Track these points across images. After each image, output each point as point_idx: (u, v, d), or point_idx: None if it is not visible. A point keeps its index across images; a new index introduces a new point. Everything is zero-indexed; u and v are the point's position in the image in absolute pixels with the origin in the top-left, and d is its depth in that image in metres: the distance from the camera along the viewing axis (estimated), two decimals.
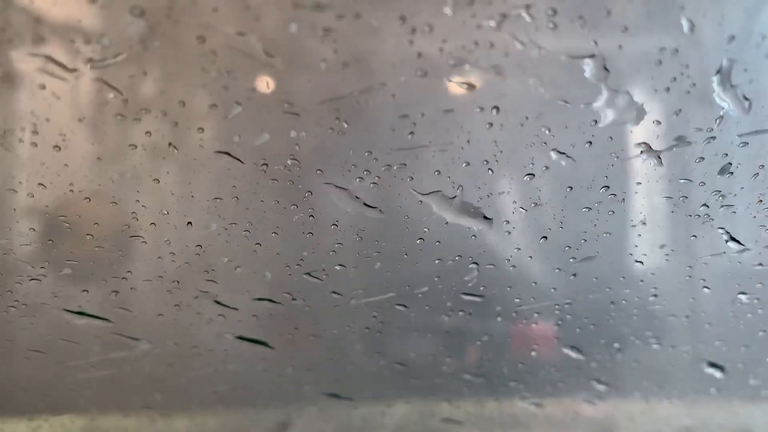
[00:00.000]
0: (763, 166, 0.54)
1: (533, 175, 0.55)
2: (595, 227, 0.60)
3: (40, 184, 0.52)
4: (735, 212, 0.58)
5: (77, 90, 0.47)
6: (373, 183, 0.55)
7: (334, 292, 0.65)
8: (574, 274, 0.65)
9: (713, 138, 0.52)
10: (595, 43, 0.46)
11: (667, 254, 0.63)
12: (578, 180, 0.55)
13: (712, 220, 0.59)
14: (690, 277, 0.66)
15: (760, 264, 0.64)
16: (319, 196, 0.55)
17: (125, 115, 0.48)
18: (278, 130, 0.50)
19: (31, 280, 0.60)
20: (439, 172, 0.54)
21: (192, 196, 0.55)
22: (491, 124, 0.51)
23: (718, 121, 0.51)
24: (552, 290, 0.67)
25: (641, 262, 0.64)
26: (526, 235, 0.61)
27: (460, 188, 0.56)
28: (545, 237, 0.61)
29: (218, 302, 0.65)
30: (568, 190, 0.56)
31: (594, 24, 0.45)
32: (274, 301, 0.66)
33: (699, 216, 0.59)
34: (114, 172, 0.52)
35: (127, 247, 0.58)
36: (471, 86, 0.48)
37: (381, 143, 0.52)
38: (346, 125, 0.50)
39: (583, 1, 0.45)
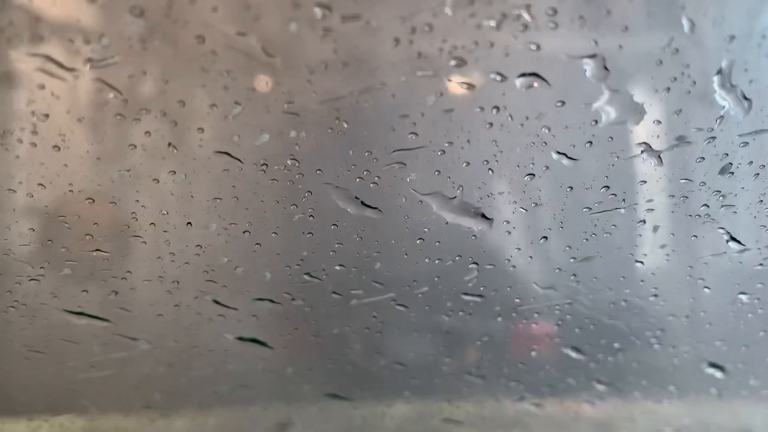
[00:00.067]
0: (763, 166, 0.54)
1: (533, 175, 0.55)
2: (595, 227, 0.60)
3: (40, 184, 0.52)
4: (736, 212, 0.58)
5: (77, 90, 0.46)
6: (373, 183, 0.55)
7: (334, 292, 0.65)
8: (574, 274, 0.65)
9: (714, 138, 0.52)
10: (596, 42, 0.46)
11: (667, 254, 0.63)
12: (578, 180, 0.55)
13: (713, 220, 0.59)
14: (690, 277, 0.65)
15: (761, 264, 0.63)
16: (319, 196, 0.55)
17: (125, 115, 0.48)
18: (278, 130, 0.50)
19: (30, 280, 0.59)
20: (439, 172, 0.54)
21: (192, 196, 0.55)
22: (491, 124, 0.51)
23: (718, 121, 0.51)
24: (552, 290, 0.67)
25: (641, 262, 0.64)
26: (526, 235, 0.60)
27: (460, 188, 0.56)
28: (545, 237, 0.61)
29: (218, 302, 0.65)
30: (569, 190, 0.56)
31: (594, 24, 0.45)
32: (274, 301, 0.65)
33: (699, 216, 0.59)
34: (113, 172, 0.52)
35: (126, 247, 0.58)
36: (471, 86, 0.48)
37: (381, 143, 0.52)
38: (346, 125, 0.50)
39: (584, 0, 0.45)
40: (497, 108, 0.49)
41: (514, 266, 0.64)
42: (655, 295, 0.68)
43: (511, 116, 0.50)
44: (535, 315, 0.70)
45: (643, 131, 0.52)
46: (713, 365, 0.75)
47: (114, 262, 0.59)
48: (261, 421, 0.78)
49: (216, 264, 0.61)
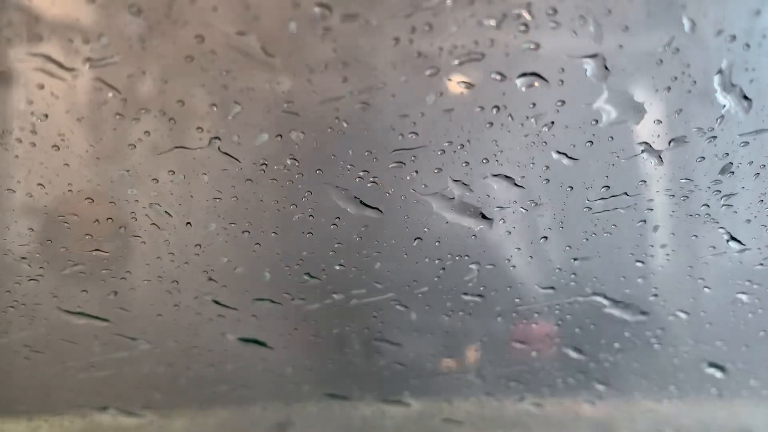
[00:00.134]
0: (764, 165, 0.54)
1: (534, 174, 0.55)
2: (595, 227, 0.60)
3: (39, 184, 0.52)
4: (736, 212, 0.58)
5: (76, 89, 0.46)
6: (373, 183, 0.55)
7: (334, 292, 0.65)
8: (574, 274, 0.65)
9: (714, 137, 0.52)
10: (596, 42, 0.46)
11: (667, 254, 0.63)
12: (579, 180, 0.55)
13: (713, 219, 0.59)
14: (690, 276, 0.65)
15: (761, 264, 0.63)
16: (319, 196, 0.55)
17: (124, 115, 0.48)
18: (278, 130, 0.50)
19: (30, 280, 0.59)
20: (439, 171, 0.54)
21: (191, 196, 0.54)
22: (491, 124, 0.51)
23: (719, 121, 0.51)
24: (552, 290, 0.67)
25: (642, 262, 0.64)
26: (526, 235, 0.60)
27: (461, 188, 0.56)
28: (545, 237, 0.61)
29: (218, 302, 0.65)
30: (569, 189, 0.56)
31: (594, 23, 0.45)
32: (274, 301, 0.65)
33: (700, 215, 0.59)
34: (113, 171, 0.52)
35: (126, 247, 0.58)
36: (471, 86, 0.48)
37: (381, 143, 0.52)
38: (346, 125, 0.50)
39: (584, 0, 0.45)
40: (497, 108, 0.49)
41: (514, 266, 0.64)
42: (655, 295, 0.68)
43: (511, 116, 0.50)
44: (535, 315, 0.70)
45: (643, 131, 0.52)
46: (713, 365, 0.75)
47: (113, 262, 0.59)
48: (261, 421, 0.78)
49: (216, 264, 0.61)
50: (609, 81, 0.48)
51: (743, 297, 0.67)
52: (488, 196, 0.56)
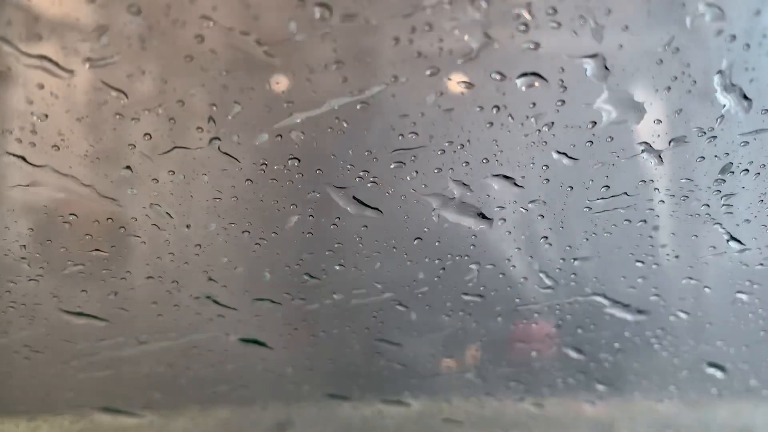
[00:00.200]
0: (764, 165, 0.54)
1: (534, 174, 0.55)
2: (595, 227, 0.60)
3: (38, 184, 0.52)
4: (736, 212, 0.58)
5: (75, 89, 0.46)
6: (373, 183, 0.55)
7: (334, 292, 0.65)
8: (574, 274, 0.65)
9: (714, 137, 0.52)
10: (596, 42, 0.46)
11: (667, 254, 0.63)
12: (579, 180, 0.55)
13: (713, 219, 0.59)
14: (691, 276, 0.65)
15: (761, 264, 0.63)
16: (319, 196, 0.55)
17: (124, 115, 0.48)
18: (278, 130, 0.50)
19: (29, 280, 0.59)
20: (439, 171, 0.54)
21: (191, 196, 0.54)
22: (491, 124, 0.50)
23: (719, 121, 0.51)
24: (552, 290, 0.67)
25: (642, 262, 0.64)
26: (526, 235, 0.60)
27: (461, 188, 0.56)
28: (545, 237, 0.61)
29: (218, 302, 0.65)
30: (569, 189, 0.56)
31: (595, 23, 0.45)
32: (274, 301, 0.65)
33: (700, 215, 0.59)
34: (113, 171, 0.52)
35: (126, 247, 0.58)
36: (471, 85, 0.48)
37: (381, 143, 0.52)
38: (346, 125, 0.50)
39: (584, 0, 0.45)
40: (497, 107, 0.49)
41: (514, 266, 0.64)
42: (656, 295, 0.68)
43: (511, 116, 0.50)
44: (535, 315, 0.70)
45: (643, 131, 0.52)
46: (713, 365, 0.75)
47: (113, 262, 0.59)
48: (261, 421, 0.78)
49: (216, 264, 0.61)
50: (609, 81, 0.48)
51: (743, 297, 0.67)
52: (488, 196, 0.56)
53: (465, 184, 0.55)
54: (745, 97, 0.49)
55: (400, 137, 0.51)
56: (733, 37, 0.46)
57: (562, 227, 0.60)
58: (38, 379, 0.69)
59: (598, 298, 0.68)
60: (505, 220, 0.59)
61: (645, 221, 0.59)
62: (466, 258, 0.62)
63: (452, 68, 0.47)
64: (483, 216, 0.58)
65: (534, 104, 0.49)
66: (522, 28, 0.45)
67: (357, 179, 0.54)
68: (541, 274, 0.65)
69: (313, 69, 0.46)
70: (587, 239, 0.61)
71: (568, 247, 0.62)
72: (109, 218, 0.55)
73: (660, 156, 0.53)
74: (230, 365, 0.73)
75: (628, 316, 0.70)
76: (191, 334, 0.68)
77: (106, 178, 0.52)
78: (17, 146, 0.49)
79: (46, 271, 0.59)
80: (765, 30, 0.46)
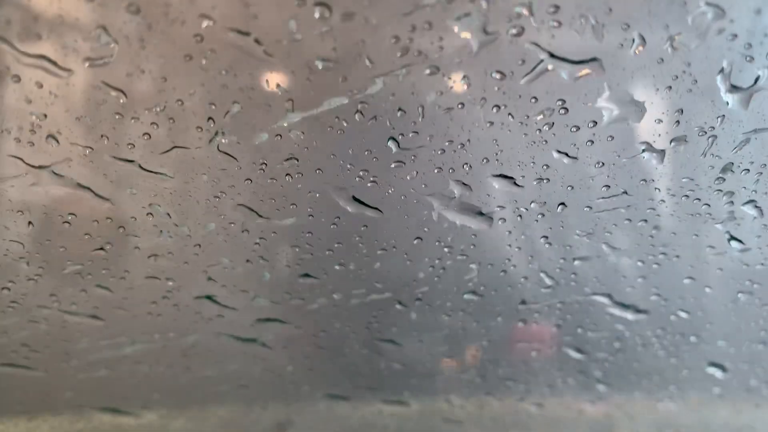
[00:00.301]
0: (765, 165, 0.54)
1: (534, 174, 0.54)
2: (595, 227, 0.60)
3: (37, 183, 0.51)
4: (736, 211, 0.58)
5: (75, 88, 0.46)
6: (373, 182, 0.54)
7: (334, 292, 0.65)
8: (575, 274, 0.65)
9: (715, 137, 0.52)
10: (597, 40, 0.46)
11: (668, 253, 0.63)
12: (579, 179, 0.55)
13: (714, 219, 0.59)
14: (691, 276, 0.65)
15: (762, 264, 0.63)
16: (319, 196, 0.55)
17: (123, 114, 0.48)
18: (278, 130, 0.50)
19: (29, 280, 0.59)
20: (439, 171, 0.54)
21: (191, 196, 0.54)
22: (491, 123, 0.50)
23: (719, 120, 0.50)
24: (552, 290, 0.67)
25: (642, 262, 0.64)
26: (527, 235, 0.60)
27: (461, 187, 0.55)
28: (545, 236, 0.61)
29: (218, 302, 0.65)
30: (569, 189, 0.56)
31: (595, 22, 0.45)
32: (274, 302, 0.65)
33: (700, 215, 0.58)
34: (112, 171, 0.52)
35: (125, 246, 0.58)
36: (471, 85, 0.48)
37: (381, 143, 0.52)
38: (346, 125, 0.50)
39: None
40: (497, 107, 0.49)
41: (515, 266, 0.64)
42: (656, 295, 0.67)
43: (511, 115, 0.50)
44: (536, 315, 0.70)
45: (644, 130, 0.52)
46: (714, 365, 0.75)
47: (113, 262, 0.59)
48: (261, 421, 0.78)
49: (216, 264, 0.61)
50: (610, 80, 0.48)
51: (744, 297, 0.67)
52: (488, 195, 0.56)
53: (465, 184, 0.55)
54: (746, 97, 0.49)
55: (400, 137, 0.51)
56: (735, 36, 0.46)
57: (563, 227, 0.59)
58: (38, 379, 0.69)
59: (599, 298, 0.68)
60: (505, 219, 0.58)
61: (645, 221, 0.59)
62: (466, 258, 0.62)
63: (452, 67, 0.47)
64: (483, 216, 0.58)
65: (534, 103, 0.49)
66: (522, 26, 0.45)
67: (357, 179, 0.54)
68: (542, 274, 0.65)
69: (312, 68, 0.46)
70: (587, 239, 0.61)
71: (568, 247, 0.62)
72: (108, 218, 0.55)
73: (660, 155, 0.53)
74: (230, 365, 0.73)
75: (629, 316, 0.70)
76: (191, 334, 0.68)
77: (105, 178, 0.52)
78: (16, 146, 0.49)
79: (46, 271, 0.59)
80: (766, 29, 0.46)
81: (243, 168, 0.52)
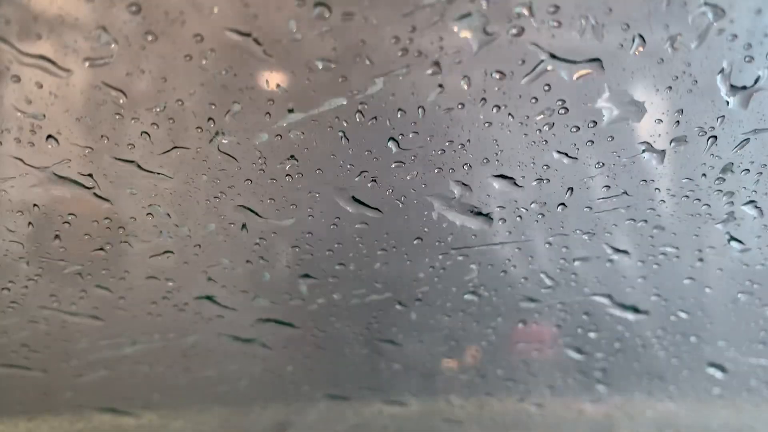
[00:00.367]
0: (765, 165, 0.54)
1: (534, 174, 0.54)
2: (595, 227, 0.60)
3: (37, 184, 0.51)
4: (736, 212, 0.58)
5: (74, 89, 0.46)
6: (373, 183, 0.54)
7: (334, 292, 0.65)
8: (575, 274, 0.65)
9: (715, 137, 0.52)
10: (597, 41, 0.46)
11: (668, 254, 0.63)
12: (579, 179, 0.55)
13: (714, 219, 0.59)
14: (691, 276, 0.65)
15: (762, 264, 0.63)
16: (318, 196, 0.55)
17: (123, 114, 0.48)
18: (278, 130, 0.50)
19: (28, 280, 0.59)
20: (439, 171, 0.54)
21: (190, 196, 0.54)
22: (491, 123, 0.50)
23: (719, 120, 0.50)
24: (553, 290, 0.67)
25: (642, 262, 0.64)
26: (527, 235, 0.60)
27: (461, 188, 0.55)
28: (545, 237, 0.61)
29: (217, 302, 0.65)
30: (569, 189, 0.56)
31: (595, 22, 0.45)
32: (274, 302, 0.65)
33: (700, 215, 0.58)
34: (112, 171, 0.52)
35: (125, 246, 0.58)
36: (471, 85, 0.48)
37: (381, 143, 0.52)
38: (346, 125, 0.50)
39: None
40: (498, 107, 0.49)
41: (515, 266, 0.64)
42: (657, 295, 0.67)
43: (511, 115, 0.50)
44: (536, 315, 0.70)
45: (643, 130, 0.52)
46: (714, 365, 0.75)
47: (113, 262, 0.59)
48: (261, 421, 0.78)
49: (215, 264, 0.61)
50: (609, 80, 0.48)
51: (744, 297, 0.67)
52: (488, 196, 0.56)
53: (465, 184, 0.55)
54: (747, 97, 0.49)
55: (400, 137, 0.51)
56: (735, 37, 0.46)
57: (563, 227, 0.59)
58: (38, 379, 0.69)
59: (599, 298, 0.68)
60: (505, 220, 0.58)
61: (646, 221, 0.59)
62: (466, 258, 0.62)
63: (452, 67, 0.47)
64: (483, 216, 0.58)
65: (534, 103, 0.49)
66: (522, 26, 0.45)
67: (357, 179, 0.54)
68: (542, 274, 0.65)
69: (312, 68, 0.46)
70: (587, 239, 0.61)
71: (568, 247, 0.62)
72: (108, 218, 0.55)
73: (661, 155, 0.53)
74: (230, 365, 0.73)
75: (629, 316, 0.70)
76: (191, 335, 0.68)
77: (105, 178, 0.52)
78: (16, 146, 0.49)
79: (46, 271, 0.59)
80: (766, 29, 0.46)
81: (243, 168, 0.52)
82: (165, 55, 0.45)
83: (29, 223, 0.54)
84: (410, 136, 0.51)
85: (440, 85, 0.48)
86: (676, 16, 0.45)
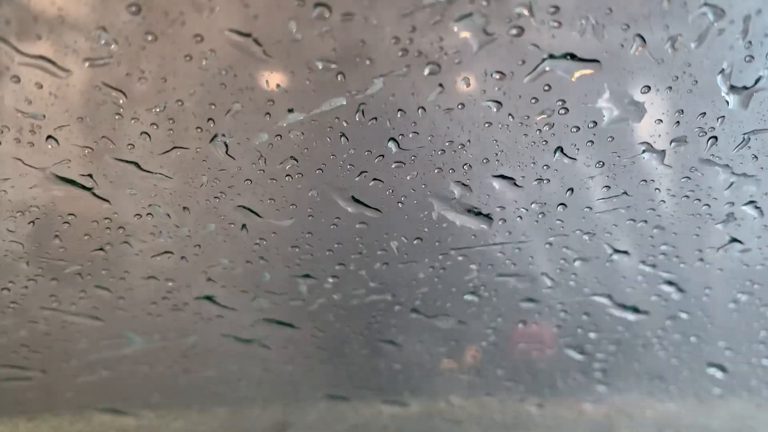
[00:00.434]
0: (764, 165, 0.54)
1: (534, 174, 0.54)
2: (595, 227, 0.60)
3: (37, 184, 0.51)
4: (737, 212, 0.58)
5: (74, 89, 0.46)
6: (373, 183, 0.54)
7: (334, 292, 0.65)
8: (575, 274, 0.65)
9: (715, 137, 0.52)
10: (597, 41, 0.46)
11: (668, 254, 0.63)
12: (579, 179, 0.55)
13: (714, 219, 0.59)
14: (691, 276, 0.65)
15: (762, 264, 0.63)
16: (318, 196, 0.55)
17: (123, 115, 0.48)
18: (278, 130, 0.50)
19: (28, 280, 0.59)
20: (439, 171, 0.54)
21: (190, 196, 0.54)
22: (491, 123, 0.50)
23: (720, 121, 0.50)
24: (553, 290, 0.67)
25: (642, 262, 0.64)
26: (527, 235, 0.60)
27: (461, 188, 0.55)
28: (546, 237, 0.61)
29: (217, 302, 0.65)
30: (569, 189, 0.56)
31: (595, 22, 0.45)
32: (274, 302, 0.65)
33: (701, 215, 0.58)
34: (112, 171, 0.52)
35: (125, 247, 0.58)
36: (471, 85, 0.48)
37: (381, 143, 0.52)
38: (346, 125, 0.50)
39: None
40: (498, 107, 0.49)
41: (515, 266, 0.64)
42: (656, 295, 0.67)
43: (511, 115, 0.50)
44: (536, 315, 0.70)
45: (643, 130, 0.52)
46: (714, 365, 0.75)
47: (112, 262, 0.59)
48: (261, 421, 0.78)
49: (215, 264, 0.61)
50: (609, 80, 0.48)
51: (744, 297, 0.67)
52: (488, 196, 0.56)
53: (465, 184, 0.55)
54: (747, 98, 0.49)
55: (400, 137, 0.51)
56: (735, 37, 0.45)
57: (563, 227, 0.59)
58: (38, 379, 0.69)
59: (599, 298, 0.68)
60: (505, 220, 0.58)
61: (646, 221, 0.59)
62: (466, 258, 0.62)
63: (452, 67, 0.47)
64: (483, 216, 0.58)
65: (534, 103, 0.49)
66: (522, 26, 0.45)
67: (357, 179, 0.54)
68: (541, 274, 0.65)
69: (312, 68, 0.46)
70: (587, 239, 0.61)
71: (568, 248, 0.62)
72: (107, 218, 0.55)
73: (661, 155, 0.53)
74: (230, 365, 0.73)
75: (629, 316, 0.70)
76: (191, 335, 0.68)
77: (105, 179, 0.52)
78: (16, 147, 0.49)
79: (45, 271, 0.59)
80: (766, 29, 0.46)
81: (243, 168, 0.52)
82: (165, 55, 0.45)
83: (29, 223, 0.54)
84: (410, 136, 0.51)
85: (440, 85, 0.48)
86: (676, 17, 0.45)
